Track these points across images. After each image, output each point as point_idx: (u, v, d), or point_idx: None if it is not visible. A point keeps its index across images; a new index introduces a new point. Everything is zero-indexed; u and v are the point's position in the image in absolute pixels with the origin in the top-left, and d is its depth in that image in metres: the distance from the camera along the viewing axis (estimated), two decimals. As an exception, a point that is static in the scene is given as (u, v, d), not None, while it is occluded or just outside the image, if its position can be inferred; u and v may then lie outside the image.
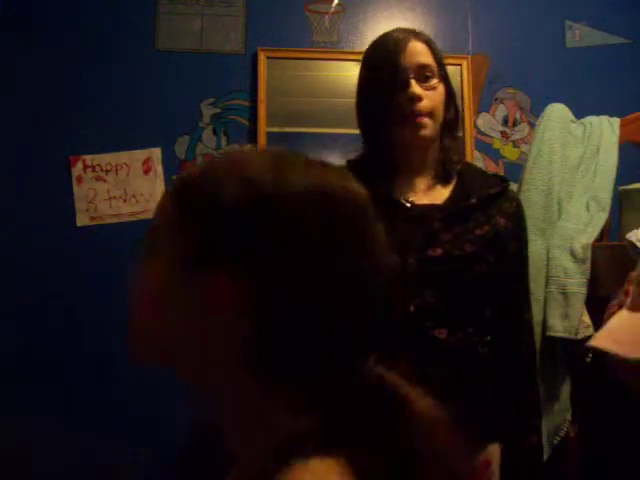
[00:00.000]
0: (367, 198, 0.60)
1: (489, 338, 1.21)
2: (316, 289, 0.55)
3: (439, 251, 1.15)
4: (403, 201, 1.20)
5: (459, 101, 2.24)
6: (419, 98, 1.18)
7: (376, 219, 0.60)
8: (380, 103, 1.21)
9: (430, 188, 1.25)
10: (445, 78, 1.25)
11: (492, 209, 1.23)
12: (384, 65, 1.20)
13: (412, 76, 1.19)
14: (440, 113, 1.23)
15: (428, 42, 1.25)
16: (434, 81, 1.21)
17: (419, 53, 1.21)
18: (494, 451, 1.10)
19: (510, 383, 1.25)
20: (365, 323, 0.58)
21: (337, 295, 0.56)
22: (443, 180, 1.25)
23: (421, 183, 1.25)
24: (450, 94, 1.27)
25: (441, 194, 1.24)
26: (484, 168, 2.26)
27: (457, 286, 1.16)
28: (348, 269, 0.56)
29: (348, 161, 1.31)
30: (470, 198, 1.22)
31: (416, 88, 1.18)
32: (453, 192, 1.24)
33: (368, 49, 1.29)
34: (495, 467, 1.04)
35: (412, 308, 1.11)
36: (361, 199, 0.60)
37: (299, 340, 0.55)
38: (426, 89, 1.20)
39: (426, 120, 1.19)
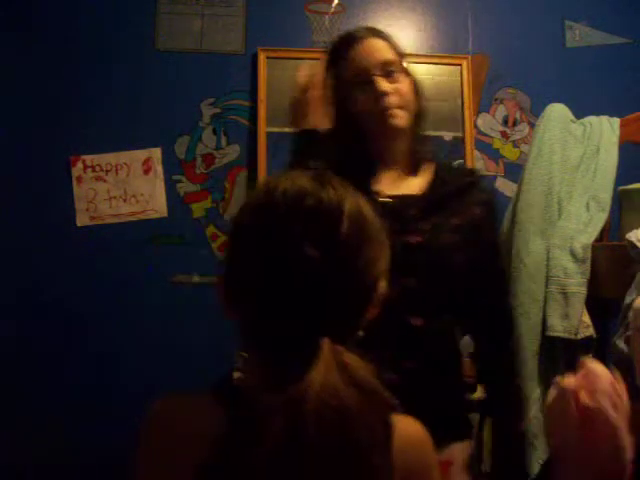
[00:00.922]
0: (302, 194, 0.69)
1: (466, 325, 1.24)
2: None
3: (418, 239, 1.16)
4: (378, 193, 1.20)
5: (459, 101, 2.25)
6: (386, 94, 1.19)
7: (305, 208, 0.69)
8: (348, 98, 1.22)
9: (402, 179, 1.26)
10: (410, 73, 1.27)
11: (467, 198, 1.24)
12: (347, 66, 1.22)
13: (376, 73, 1.20)
14: (410, 104, 1.24)
15: (387, 38, 1.26)
16: (399, 76, 1.23)
17: (379, 50, 1.23)
18: (457, 450, 1.09)
19: (492, 368, 1.28)
20: (306, 306, 0.68)
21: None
22: (414, 172, 1.26)
23: (394, 174, 1.26)
24: (417, 89, 1.28)
25: (415, 184, 1.25)
26: (484, 168, 2.26)
27: (435, 275, 1.17)
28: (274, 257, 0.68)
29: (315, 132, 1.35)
30: (446, 188, 1.23)
31: (382, 84, 1.19)
32: (429, 182, 1.25)
33: (330, 51, 1.30)
34: (457, 469, 1.02)
35: (390, 295, 1.13)
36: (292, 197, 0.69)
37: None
38: (392, 83, 1.21)
39: (397, 111, 1.20)
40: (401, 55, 1.26)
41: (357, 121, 1.23)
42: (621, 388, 0.90)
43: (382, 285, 0.74)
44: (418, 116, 1.27)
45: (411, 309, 1.14)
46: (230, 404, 0.67)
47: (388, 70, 1.21)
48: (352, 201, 0.72)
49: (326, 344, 0.67)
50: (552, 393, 0.94)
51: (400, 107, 1.20)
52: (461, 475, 1.10)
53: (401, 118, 1.21)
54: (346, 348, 0.69)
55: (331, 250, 0.67)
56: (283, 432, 0.62)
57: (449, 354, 1.20)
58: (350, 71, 1.21)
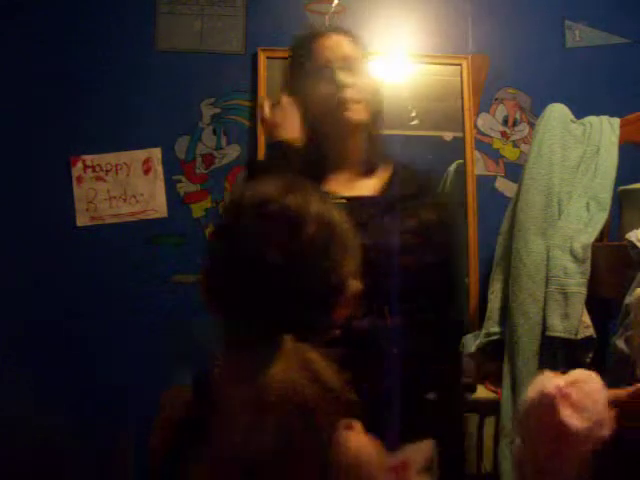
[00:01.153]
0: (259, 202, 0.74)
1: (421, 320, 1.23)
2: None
3: (370, 240, 1.15)
4: (332, 194, 1.20)
5: (459, 101, 2.25)
6: (345, 86, 1.20)
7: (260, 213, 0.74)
8: (307, 91, 1.23)
9: (357, 179, 1.26)
10: (370, 73, 1.29)
11: (423, 199, 1.25)
12: (309, 56, 1.23)
13: (337, 66, 1.21)
14: (368, 101, 1.24)
15: (351, 36, 1.28)
16: (358, 71, 1.24)
17: (343, 45, 1.24)
18: (415, 452, 1.07)
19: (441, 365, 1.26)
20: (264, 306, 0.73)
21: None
22: (370, 173, 1.27)
23: (349, 174, 1.26)
24: (376, 89, 1.29)
25: (370, 185, 1.26)
26: (484, 168, 2.26)
27: (388, 276, 1.17)
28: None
29: (257, 161, 1.36)
30: (402, 189, 1.24)
31: (342, 77, 1.20)
32: (385, 183, 1.26)
33: (293, 45, 1.31)
34: (414, 471, 1.00)
35: None
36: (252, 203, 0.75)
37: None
38: (351, 79, 1.22)
39: (354, 105, 1.21)
40: (364, 54, 1.28)
41: (314, 118, 1.23)
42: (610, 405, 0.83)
43: (353, 285, 0.77)
44: (374, 115, 1.28)
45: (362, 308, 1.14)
46: (201, 395, 0.72)
47: (349, 65, 1.22)
48: (317, 205, 0.76)
49: (288, 342, 0.72)
50: (534, 389, 0.86)
51: (357, 101, 1.21)
52: (418, 478, 1.09)
53: (357, 112, 1.21)
54: (312, 346, 0.74)
55: (294, 253, 0.72)
56: (243, 425, 0.66)
57: (402, 354, 1.17)
58: (312, 63, 1.22)
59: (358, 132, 1.25)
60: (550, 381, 0.84)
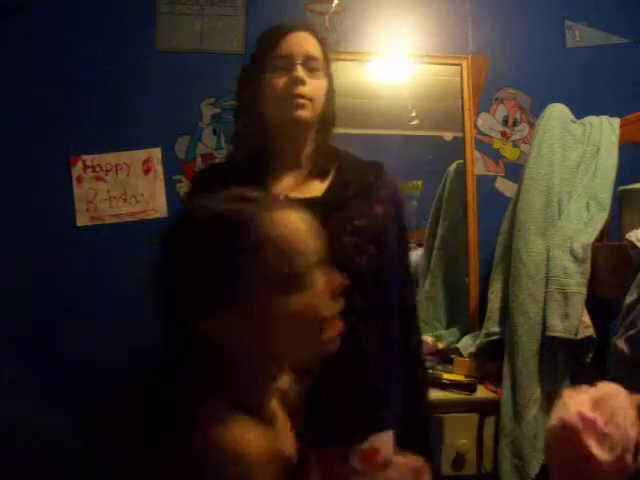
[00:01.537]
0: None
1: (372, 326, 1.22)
2: None
3: None
4: (278, 194, 1.20)
5: (459, 101, 2.25)
6: (302, 82, 1.20)
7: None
8: (262, 82, 1.23)
9: (305, 182, 1.26)
10: (329, 76, 1.28)
11: (369, 198, 1.24)
12: (272, 47, 1.24)
13: (299, 62, 1.22)
14: (319, 104, 1.25)
15: (318, 36, 1.28)
16: (319, 73, 1.24)
17: (308, 43, 1.25)
18: (380, 441, 1.05)
19: (400, 366, 1.26)
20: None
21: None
22: (318, 175, 1.26)
23: (296, 178, 1.26)
24: (332, 93, 1.29)
25: (317, 188, 1.25)
26: (484, 168, 2.26)
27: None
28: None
29: (212, 165, 1.35)
30: (347, 189, 1.23)
31: (300, 72, 1.21)
32: (330, 184, 1.25)
33: (260, 34, 1.32)
34: (382, 458, 0.99)
35: None
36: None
37: None
38: (310, 77, 1.22)
39: (305, 102, 1.21)
40: (327, 57, 1.28)
41: (264, 111, 1.24)
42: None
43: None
44: (324, 121, 1.28)
45: None
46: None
47: (310, 64, 1.23)
48: (265, 215, 0.76)
49: None
50: (557, 414, 0.81)
51: (309, 100, 1.21)
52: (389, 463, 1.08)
53: (306, 110, 1.21)
54: None
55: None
56: None
57: (353, 356, 1.16)
58: (274, 55, 1.23)
59: (306, 131, 1.26)
60: (573, 405, 0.80)
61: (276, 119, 1.24)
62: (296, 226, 0.77)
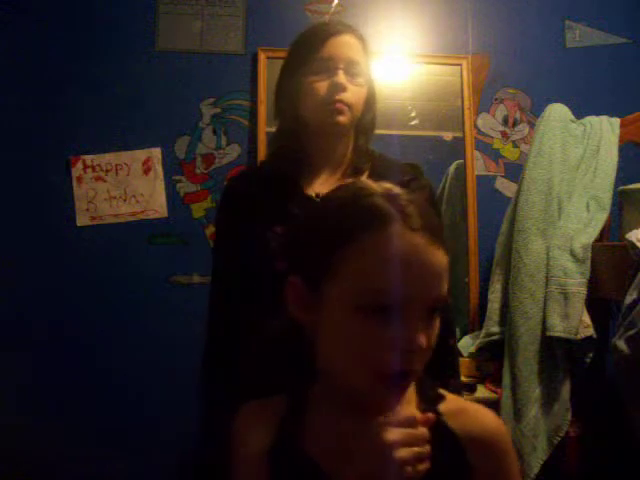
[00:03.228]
0: None
1: None
2: None
3: None
4: (314, 196, 1.20)
5: (459, 101, 2.25)
6: (343, 88, 1.19)
7: None
8: (301, 85, 1.22)
9: (339, 182, 1.26)
10: (370, 82, 1.27)
11: None
12: (315, 49, 1.21)
13: (341, 66, 1.20)
14: (358, 109, 1.23)
15: (363, 41, 1.26)
16: (360, 80, 1.22)
17: (352, 48, 1.22)
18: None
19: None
20: None
21: None
22: (352, 175, 1.25)
23: (331, 178, 1.25)
24: (372, 99, 1.28)
25: None
26: (484, 168, 2.26)
27: None
28: None
29: (240, 173, 1.42)
30: None
31: (342, 78, 1.19)
32: None
33: (300, 34, 1.29)
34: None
35: None
36: None
37: None
38: (350, 83, 1.20)
39: (345, 108, 1.20)
40: (369, 62, 1.26)
41: (304, 113, 1.23)
42: None
43: None
44: (364, 127, 1.27)
45: None
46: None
47: (352, 69, 1.21)
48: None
49: None
50: None
51: (349, 105, 1.20)
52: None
53: (345, 117, 1.20)
54: None
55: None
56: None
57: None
58: (316, 58, 1.20)
59: (344, 134, 1.25)
60: None
61: (314, 122, 1.23)
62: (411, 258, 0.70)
